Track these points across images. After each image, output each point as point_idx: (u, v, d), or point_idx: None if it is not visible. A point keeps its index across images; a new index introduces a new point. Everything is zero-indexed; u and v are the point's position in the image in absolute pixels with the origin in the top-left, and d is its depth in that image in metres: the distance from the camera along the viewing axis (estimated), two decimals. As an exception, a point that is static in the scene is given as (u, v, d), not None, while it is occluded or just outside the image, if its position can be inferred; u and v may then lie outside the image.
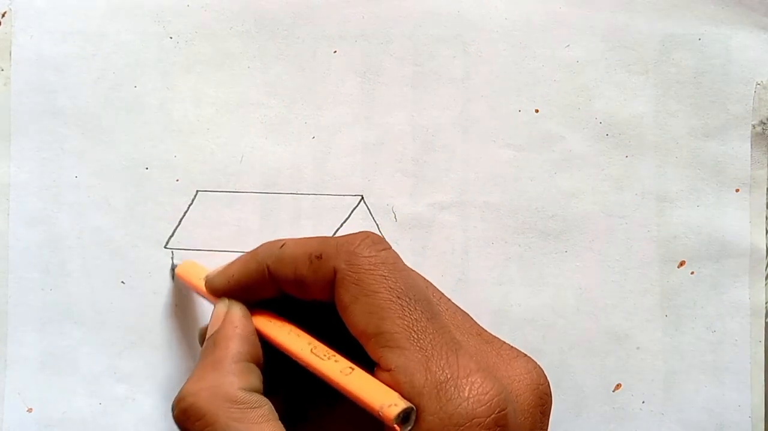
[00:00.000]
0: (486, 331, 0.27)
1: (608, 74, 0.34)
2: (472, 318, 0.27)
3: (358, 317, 0.25)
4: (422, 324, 0.25)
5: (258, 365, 0.27)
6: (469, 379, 0.23)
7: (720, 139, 0.34)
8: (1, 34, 0.35)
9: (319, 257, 0.27)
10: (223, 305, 0.29)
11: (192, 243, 0.35)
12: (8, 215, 0.35)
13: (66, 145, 0.35)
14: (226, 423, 0.25)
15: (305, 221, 0.35)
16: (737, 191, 0.34)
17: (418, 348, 0.24)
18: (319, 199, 0.35)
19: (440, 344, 0.24)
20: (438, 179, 0.35)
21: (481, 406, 0.23)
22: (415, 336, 0.24)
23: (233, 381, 0.26)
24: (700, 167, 0.34)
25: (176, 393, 0.26)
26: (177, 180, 0.35)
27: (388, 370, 0.24)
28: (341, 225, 0.35)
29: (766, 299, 0.34)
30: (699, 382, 0.34)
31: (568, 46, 0.34)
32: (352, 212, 0.35)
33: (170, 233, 0.35)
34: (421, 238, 0.35)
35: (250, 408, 0.25)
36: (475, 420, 0.23)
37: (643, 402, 0.35)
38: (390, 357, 0.24)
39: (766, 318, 0.35)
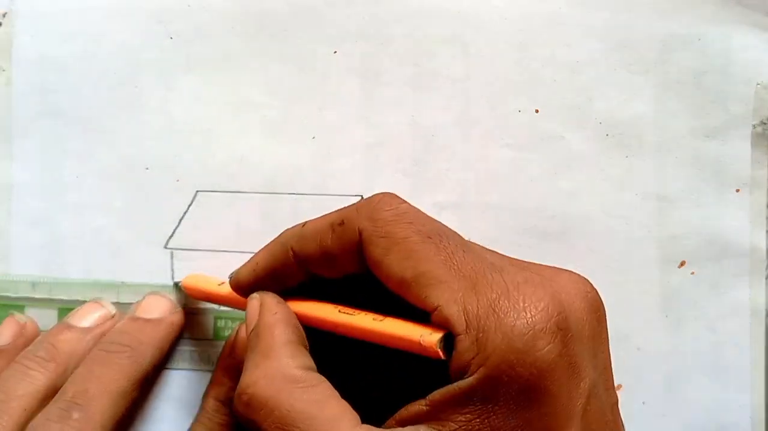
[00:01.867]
0: (519, 260, 0.26)
1: (608, 74, 0.34)
2: (499, 253, 0.27)
3: (393, 267, 0.25)
4: (459, 255, 0.24)
5: (305, 347, 0.27)
6: (520, 291, 0.23)
7: (720, 139, 0.34)
8: (2, 34, 0.35)
9: (341, 223, 0.26)
10: (255, 298, 0.28)
11: (192, 243, 0.35)
12: (10, 215, 0.35)
13: (67, 145, 0.35)
14: (290, 404, 0.24)
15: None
16: (737, 191, 0.34)
17: (461, 277, 0.24)
18: (319, 199, 0.35)
19: (482, 268, 0.24)
20: (438, 179, 0.35)
21: (539, 313, 0.22)
22: (456, 266, 0.24)
23: (288, 362, 0.25)
24: (700, 167, 0.34)
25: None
26: (177, 180, 0.35)
27: (436, 307, 0.23)
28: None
29: (766, 299, 0.34)
30: (699, 383, 0.34)
31: (568, 46, 0.34)
32: (352, 212, 0.35)
33: (170, 233, 0.35)
34: (421, 238, 0.35)
35: (311, 386, 0.25)
36: (536, 326, 0.22)
37: (644, 403, 0.34)
38: (435, 294, 0.24)
39: (766, 319, 0.34)
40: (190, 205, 0.35)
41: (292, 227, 0.29)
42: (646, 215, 0.34)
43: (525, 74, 0.34)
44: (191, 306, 0.35)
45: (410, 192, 0.35)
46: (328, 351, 0.27)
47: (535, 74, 0.34)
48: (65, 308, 0.34)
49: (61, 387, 0.30)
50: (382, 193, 0.27)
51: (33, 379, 0.30)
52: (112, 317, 0.33)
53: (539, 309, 0.23)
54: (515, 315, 0.22)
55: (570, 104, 0.34)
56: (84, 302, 0.34)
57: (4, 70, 0.35)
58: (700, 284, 0.34)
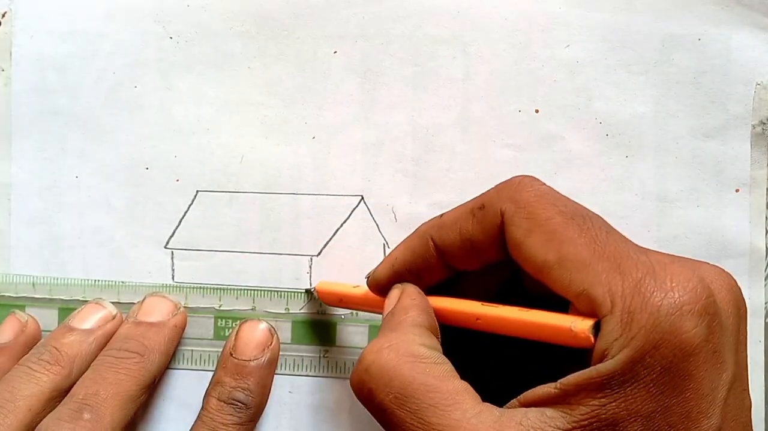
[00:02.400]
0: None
1: (608, 74, 0.34)
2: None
3: (536, 248, 0.24)
4: (602, 236, 0.24)
5: (436, 336, 0.27)
6: (667, 270, 0.22)
7: (720, 139, 0.34)
8: (1, 34, 0.35)
9: (482, 207, 0.26)
10: (397, 288, 0.29)
11: (192, 243, 0.35)
12: (9, 215, 0.35)
13: (66, 145, 0.35)
14: (412, 375, 0.24)
15: (305, 221, 0.35)
16: (737, 191, 0.34)
17: (605, 258, 0.23)
18: (319, 199, 0.35)
19: (625, 248, 0.23)
20: (438, 179, 0.35)
21: (687, 293, 0.22)
22: (600, 248, 0.23)
23: (414, 338, 0.25)
24: (700, 167, 0.34)
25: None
26: (177, 180, 0.35)
27: (581, 291, 0.23)
28: (341, 225, 0.35)
29: (765, 299, 0.34)
30: (699, 382, 0.34)
31: (568, 46, 0.34)
32: (352, 212, 0.35)
33: (170, 233, 0.35)
34: (421, 238, 0.35)
35: (434, 363, 0.24)
36: (684, 307, 0.21)
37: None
38: (580, 278, 0.23)
39: (765, 318, 0.34)
40: (190, 205, 0.35)
41: (430, 220, 0.29)
42: (646, 215, 0.34)
43: (525, 74, 0.34)
44: (190, 306, 0.35)
45: (410, 192, 0.35)
46: (456, 351, 0.27)
47: (535, 74, 0.34)
48: (65, 308, 0.34)
49: (66, 388, 0.30)
50: (522, 175, 0.26)
51: (38, 381, 0.30)
52: (114, 317, 0.33)
53: (687, 290, 0.22)
54: (662, 295, 0.22)
55: (570, 104, 0.34)
56: (84, 301, 0.34)
57: (3, 70, 0.35)
58: (699, 284, 0.34)
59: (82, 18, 0.35)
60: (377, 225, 0.35)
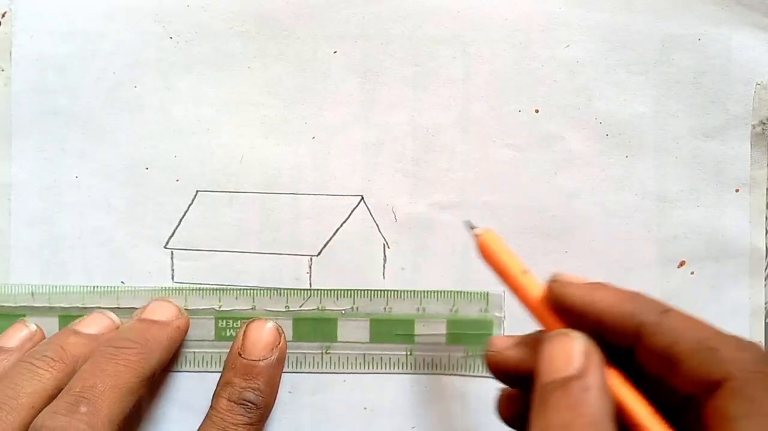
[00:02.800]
0: None
1: (608, 74, 0.34)
2: None
3: None
4: None
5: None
6: None
7: (720, 139, 0.34)
8: (1, 34, 0.35)
9: (713, 350, 0.23)
10: (578, 341, 0.24)
11: (192, 243, 0.35)
12: (9, 215, 0.35)
13: (66, 145, 0.35)
14: None
15: (305, 221, 0.35)
16: (737, 191, 0.34)
17: None
18: (319, 199, 0.35)
19: None
20: (438, 179, 0.35)
21: None
22: None
23: None
24: (700, 167, 0.34)
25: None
26: (177, 180, 0.35)
27: None
28: (341, 225, 0.35)
29: (766, 299, 0.34)
30: (699, 382, 0.34)
31: (568, 46, 0.34)
32: (352, 212, 0.35)
33: (170, 233, 0.35)
34: (421, 238, 0.35)
35: None
36: None
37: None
38: None
39: (765, 318, 0.35)
40: (190, 205, 0.35)
41: (652, 301, 0.25)
42: (646, 215, 0.34)
43: (525, 74, 0.34)
44: (190, 308, 0.34)
45: (410, 192, 0.35)
46: None
47: (535, 74, 0.34)
48: (66, 316, 0.34)
49: None
50: (759, 344, 0.24)
51: (41, 377, 0.30)
52: (117, 327, 0.33)
53: None
54: None
55: (570, 104, 0.34)
56: (84, 308, 0.34)
57: (3, 70, 0.35)
58: (700, 284, 0.34)
59: (82, 18, 0.35)
60: (377, 225, 0.35)
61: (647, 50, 0.34)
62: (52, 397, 0.29)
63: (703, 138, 0.34)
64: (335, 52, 0.35)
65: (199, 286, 0.35)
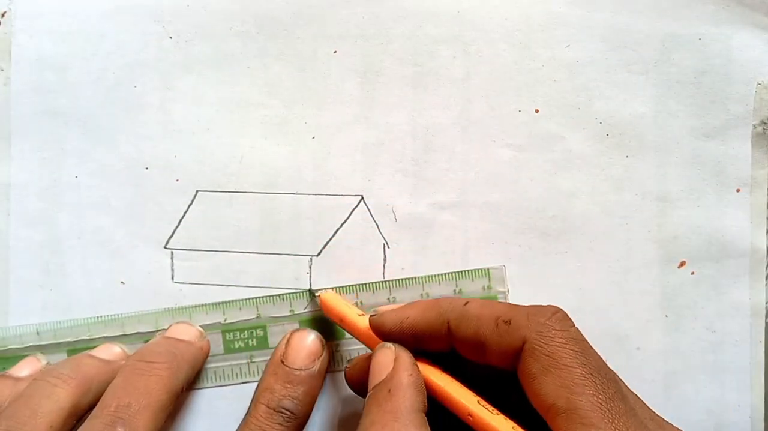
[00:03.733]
0: (658, 416, 0.27)
1: (608, 74, 0.34)
2: (644, 403, 0.27)
3: (548, 389, 0.25)
4: (616, 403, 0.24)
5: (426, 416, 0.27)
6: None
7: (720, 139, 0.34)
8: (0, 34, 0.35)
9: (508, 322, 0.27)
10: (389, 350, 0.29)
11: (192, 243, 0.35)
12: (9, 215, 0.35)
13: (66, 145, 0.35)
14: None
15: (305, 221, 0.35)
16: (738, 191, 0.34)
17: (612, 428, 0.23)
18: (319, 199, 0.35)
19: (632, 426, 0.24)
20: (438, 179, 0.35)
21: None
22: (610, 416, 0.24)
23: None
24: (700, 167, 0.34)
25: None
26: (177, 180, 0.35)
27: None
28: (341, 225, 0.35)
29: (766, 299, 0.34)
30: (699, 382, 0.34)
31: (568, 46, 0.34)
32: (352, 212, 0.35)
33: (170, 233, 0.35)
34: (421, 238, 0.35)
35: None
36: None
37: (644, 403, 0.34)
38: None
39: (766, 318, 0.34)
40: (190, 205, 0.35)
41: (453, 299, 0.29)
42: (646, 215, 0.34)
43: (525, 74, 0.34)
44: (199, 324, 0.34)
45: (410, 192, 0.35)
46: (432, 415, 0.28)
47: (535, 74, 0.34)
48: (73, 350, 0.34)
49: (85, 406, 0.30)
50: (555, 308, 0.27)
51: (58, 396, 0.29)
52: (127, 356, 0.33)
53: None
54: None
55: (570, 104, 0.34)
56: (91, 339, 0.34)
57: (2, 70, 0.35)
58: (700, 284, 0.34)
59: (82, 18, 0.35)
60: (377, 225, 0.35)
61: (647, 50, 0.34)
62: (70, 415, 0.29)
63: (703, 138, 0.34)
64: (335, 52, 0.35)
65: (202, 303, 0.35)
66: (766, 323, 0.34)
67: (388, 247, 0.35)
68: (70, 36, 0.35)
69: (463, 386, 0.28)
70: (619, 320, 0.34)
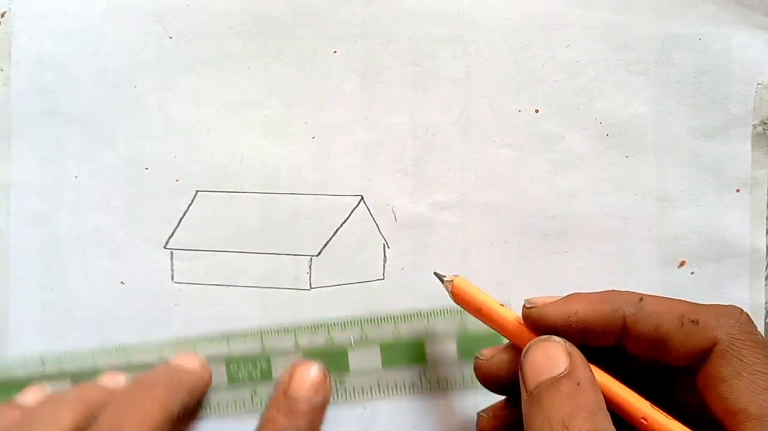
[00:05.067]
0: None
1: (608, 74, 0.34)
2: None
3: (738, 394, 0.24)
4: None
5: None
6: None
7: (720, 139, 0.34)
8: (0, 34, 0.35)
9: (695, 322, 0.25)
10: (559, 344, 0.26)
11: (192, 243, 0.35)
12: (8, 215, 0.35)
13: (66, 145, 0.35)
14: None
15: (305, 221, 0.35)
16: (738, 191, 0.34)
17: None
18: (319, 199, 0.35)
19: None
20: (438, 179, 0.35)
21: None
22: None
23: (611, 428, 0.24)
24: (700, 168, 0.34)
25: None
26: (177, 180, 0.35)
27: None
28: (341, 225, 0.35)
29: (766, 299, 0.34)
30: (699, 382, 0.34)
31: (568, 46, 0.34)
32: (352, 212, 0.35)
33: (170, 233, 0.35)
34: (421, 238, 0.35)
35: None
36: None
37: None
38: None
39: (766, 318, 0.34)
40: (190, 205, 0.35)
41: (626, 293, 0.27)
42: (646, 215, 0.34)
43: (525, 74, 0.34)
44: (202, 355, 0.34)
45: (410, 192, 0.35)
46: None
47: (535, 74, 0.34)
48: (78, 379, 0.34)
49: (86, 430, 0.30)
50: (739, 308, 0.26)
51: (60, 420, 0.29)
52: None
53: None
54: None
55: (570, 104, 0.34)
56: (96, 368, 0.34)
57: (2, 70, 0.35)
58: (700, 284, 0.34)
59: (82, 18, 0.35)
60: (377, 225, 0.35)
61: (647, 50, 0.34)
62: None
63: (703, 138, 0.34)
64: (335, 52, 0.35)
65: (205, 335, 0.35)
66: (765, 323, 0.34)
67: (388, 247, 0.35)
68: (70, 36, 0.35)
69: (636, 394, 0.26)
70: (619, 320, 0.34)
